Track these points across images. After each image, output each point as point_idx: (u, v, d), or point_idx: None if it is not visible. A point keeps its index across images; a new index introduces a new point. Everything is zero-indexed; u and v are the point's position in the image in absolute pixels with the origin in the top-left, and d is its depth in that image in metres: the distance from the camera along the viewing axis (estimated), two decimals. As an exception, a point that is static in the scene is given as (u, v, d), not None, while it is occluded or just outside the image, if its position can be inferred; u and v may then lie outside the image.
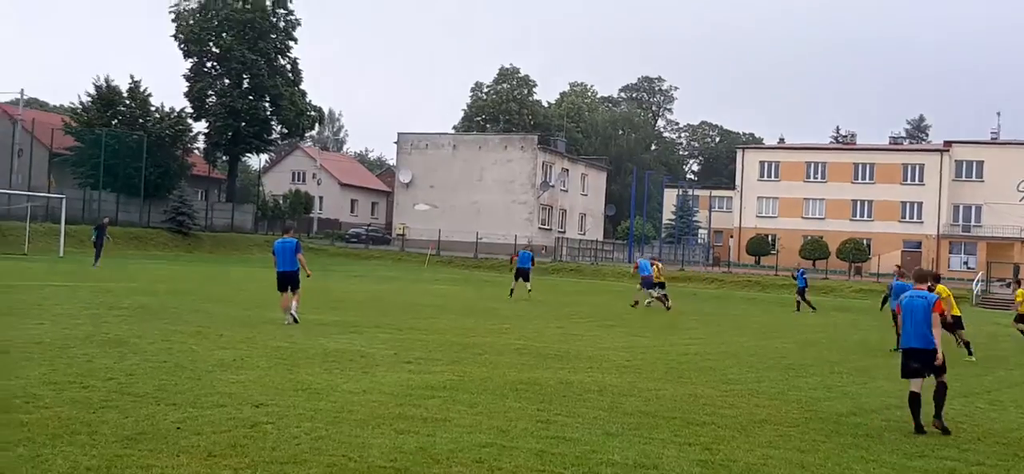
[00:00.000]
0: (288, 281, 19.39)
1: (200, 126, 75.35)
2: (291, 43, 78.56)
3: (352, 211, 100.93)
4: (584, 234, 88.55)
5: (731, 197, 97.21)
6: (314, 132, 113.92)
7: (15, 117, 64.86)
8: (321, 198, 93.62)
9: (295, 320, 18.91)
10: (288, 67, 78.71)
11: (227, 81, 75.62)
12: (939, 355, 10.99)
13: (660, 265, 35.09)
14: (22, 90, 66.33)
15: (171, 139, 69.25)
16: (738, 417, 11.15)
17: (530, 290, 34.86)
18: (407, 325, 20.66)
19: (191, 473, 7.30)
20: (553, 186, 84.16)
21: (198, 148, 77.78)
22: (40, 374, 11.37)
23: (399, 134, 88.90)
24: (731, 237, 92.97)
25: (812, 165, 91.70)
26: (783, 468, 8.70)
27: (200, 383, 11.35)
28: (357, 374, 12.84)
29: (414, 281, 41.92)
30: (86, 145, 65.17)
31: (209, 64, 76.00)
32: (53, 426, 8.65)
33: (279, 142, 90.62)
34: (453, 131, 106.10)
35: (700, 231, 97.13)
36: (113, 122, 67.11)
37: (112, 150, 63.95)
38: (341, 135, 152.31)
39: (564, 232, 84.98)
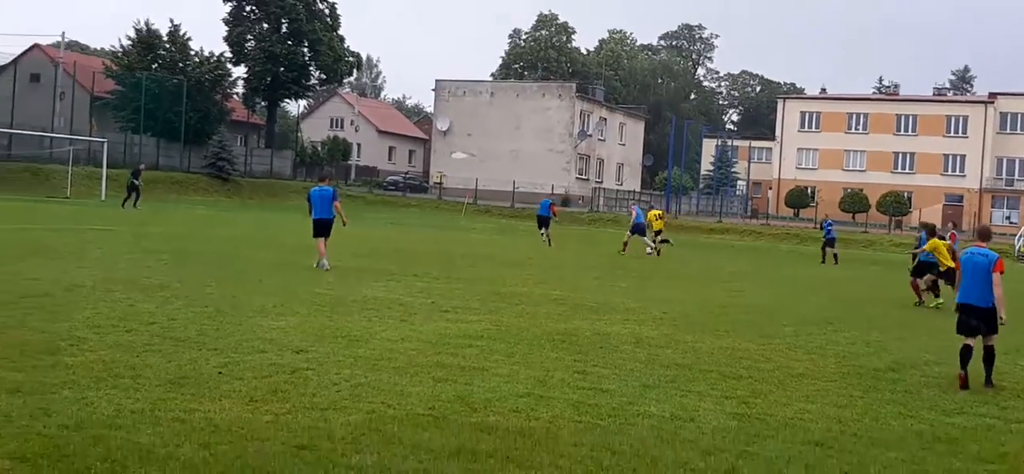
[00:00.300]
0: (324, 229, 19.50)
1: (239, 71, 75.68)
2: (330, -12, 78.43)
3: (390, 159, 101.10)
4: (621, 184, 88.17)
5: (771, 148, 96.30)
6: (352, 78, 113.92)
7: (57, 60, 65.45)
8: (359, 145, 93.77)
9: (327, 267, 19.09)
10: (326, 12, 78.64)
11: (266, 25, 75.75)
12: (1003, 314, 10.91)
13: (661, 214, 36.12)
14: (63, 33, 66.89)
15: (211, 84, 69.57)
16: (775, 371, 11.13)
17: (544, 236, 35.31)
18: (444, 274, 20.75)
19: (233, 417, 7.39)
20: (591, 135, 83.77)
21: (237, 93, 78.12)
22: (84, 317, 11.54)
23: (437, 81, 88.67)
24: (770, 189, 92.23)
25: (854, 116, 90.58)
26: (820, 422, 8.69)
27: (241, 328, 11.49)
28: (395, 322, 12.93)
29: (451, 230, 42.04)
30: (127, 89, 65.68)
31: (248, 8, 76.12)
32: (97, 369, 8.78)
33: (317, 88, 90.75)
34: (491, 78, 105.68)
35: (738, 182, 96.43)
36: (153, 66, 67.53)
37: (152, 94, 64.40)
38: (379, 81, 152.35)
39: (601, 182, 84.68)
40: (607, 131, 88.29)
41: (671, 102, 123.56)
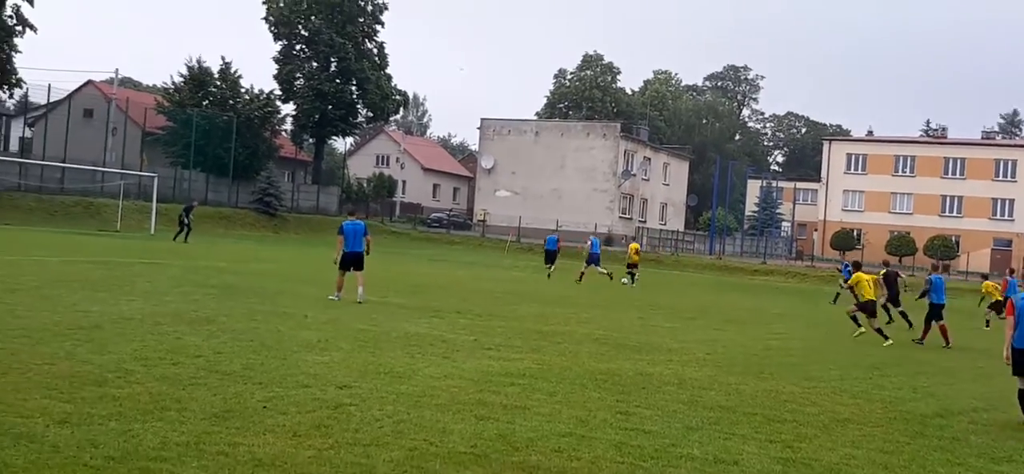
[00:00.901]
0: (352, 261, 20.10)
1: (288, 108, 76.67)
2: (378, 27, 79.38)
3: (434, 196, 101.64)
4: (665, 224, 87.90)
5: (816, 189, 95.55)
6: (399, 116, 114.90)
7: (110, 96, 66.62)
8: (404, 182, 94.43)
9: (343, 301, 19.71)
10: (375, 51, 79.50)
11: (315, 64, 76.72)
12: None
13: (638, 250, 39.82)
14: (117, 70, 68.23)
15: (260, 121, 70.47)
16: (820, 415, 11.01)
17: (549, 272, 37.52)
18: (487, 311, 20.79)
19: (277, 452, 7.44)
20: (635, 175, 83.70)
21: (286, 130, 79.02)
22: (132, 350, 11.69)
23: (482, 119, 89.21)
24: (815, 230, 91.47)
25: (901, 159, 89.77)
26: (866, 468, 8.58)
27: (285, 363, 11.58)
28: (438, 359, 12.97)
29: (494, 267, 42.13)
30: (178, 125, 66.72)
31: (298, 47, 77.17)
32: (144, 401, 8.88)
33: (364, 126, 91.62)
34: (536, 118, 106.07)
35: (783, 224, 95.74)
36: (204, 103, 68.55)
37: (203, 130, 65.33)
38: (425, 119, 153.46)
39: (644, 222, 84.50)
40: (651, 171, 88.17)
41: (716, 143, 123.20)
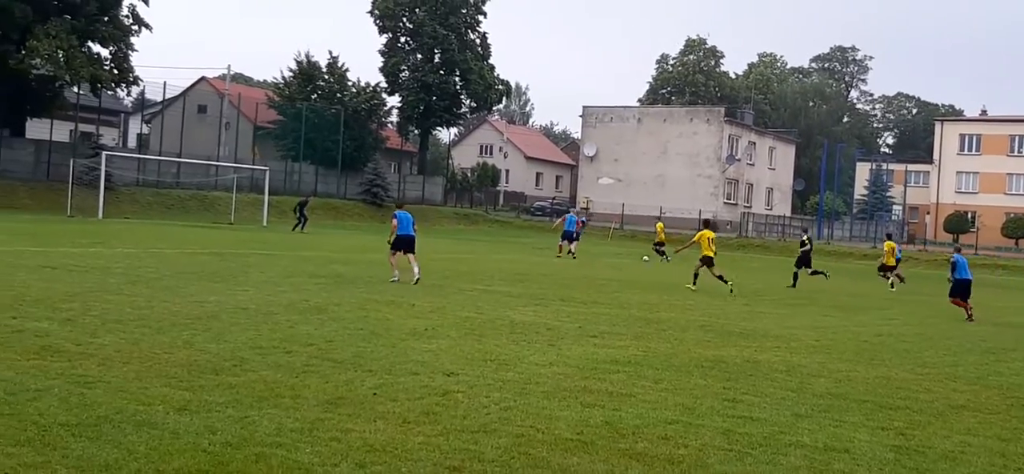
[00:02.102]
0: (404, 243, 22.09)
1: (393, 100, 77.79)
2: (480, 17, 79.79)
3: (537, 184, 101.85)
4: (771, 209, 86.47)
5: (928, 172, 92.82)
6: (501, 106, 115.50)
7: (222, 92, 68.50)
8: (507, 171, 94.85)
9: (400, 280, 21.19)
10: (477, 41, 79.98)
11: (419, 56, 77.58)
12: None
13: (663, 227, 41.91)
14: (229, 66, 70.02)
15: (366, 113, 71.65)
16: (934, 402, 10.74)
17: (570, 251, 37.84)
18: (591, 299, 20.79)
19: (387, 438, 7.58)
20: (739, 159, 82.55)
21: (391, 122, 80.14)
22: (246, 338, 12.01)
23: (584, 107, 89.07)
24: (927, 213, 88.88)
25: (1017, 138, 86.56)
26: (982, 456, 8.36)
27: (394, 351, 11.78)
28: (543, 346, 13.04)
29: (597, 255, 42.04)
30: (288, 119, 68.31)
31: (403, 40, 78.14)
32: (259, 389, 9.09)
33: (468, 116, 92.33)
34: (638, 104, 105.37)
35: (894, 207, 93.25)
36: (313, 96, 70.00)
37: (312, 124, 66.72)
38: (527, 109, 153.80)
39: (750, 207, 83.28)
40: (756, 155, 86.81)
41: (823, 125, 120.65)
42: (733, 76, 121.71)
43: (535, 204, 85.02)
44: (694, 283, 25.45)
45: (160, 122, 67.42)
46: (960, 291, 22.63)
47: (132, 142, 75.11)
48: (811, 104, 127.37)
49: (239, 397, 8.69)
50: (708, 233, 25.86)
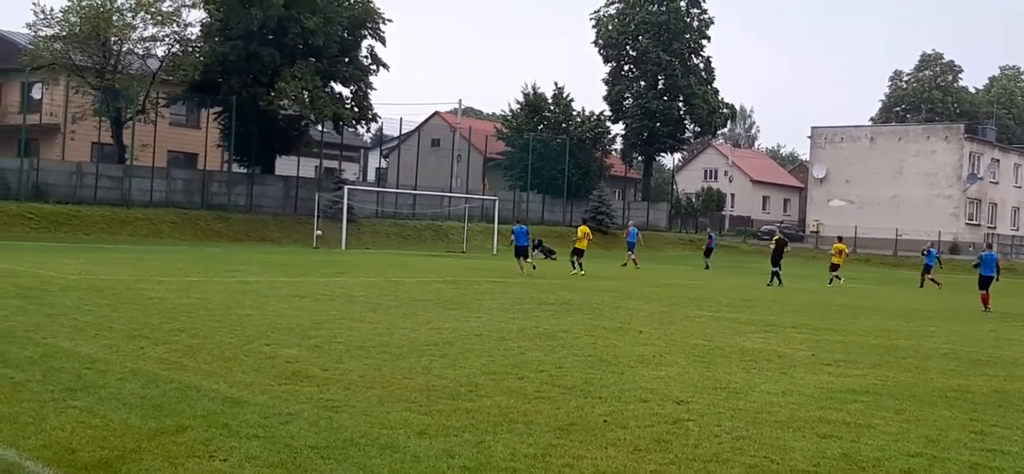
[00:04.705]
0: (521, 251, 33.34)
1: (617, 128, 78.19)
2: (704, 42, 79.12)
3: (764, 208, 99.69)
4: (1017, 229, 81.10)
5: None
6: (726, 129, 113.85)
7: (454, 126, 70.93)
8: (733, 195, 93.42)
9: (530, 268, 33.86)
10: (701, 66, 79.34)
11: (643, 83, 77.70)
12: None
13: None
14: (460, 100, 72.55)
15: (591, 141, 72.42)
16: None
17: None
18: (823, 325, 20.18)
19: (619, 466, 7.64)
20: (982, 178, 77.98)
21: (616, 149, 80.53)
22: (480, 364, 12.34)
23: (813, 128, 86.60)
24: None
25: None
26: None
27: (623, 378, 11.85)
28: (775, 374, 12.78)
29: (829, 280, 40.58)
30: (515, 149, 69.88)
31: (627, 67, 78.55)
32: (494, 414, 9.29)
33: (692, 141, 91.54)
34: (870, 123, 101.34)
35: None
36: (539, 127, 71.35)
37: (538, 154, 67.98)
38: (753, 131, 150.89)
39: (994, 227, 78.36)
40: (1000, 173, 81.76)
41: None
42: (973, 91, 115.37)
43: (762, 228, 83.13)
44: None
45: (397, 156, 70.43)
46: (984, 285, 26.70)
47: (371, 176, 78.78)
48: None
49: (475, 422, 8.94)
50: (584, 229, 37.42)
